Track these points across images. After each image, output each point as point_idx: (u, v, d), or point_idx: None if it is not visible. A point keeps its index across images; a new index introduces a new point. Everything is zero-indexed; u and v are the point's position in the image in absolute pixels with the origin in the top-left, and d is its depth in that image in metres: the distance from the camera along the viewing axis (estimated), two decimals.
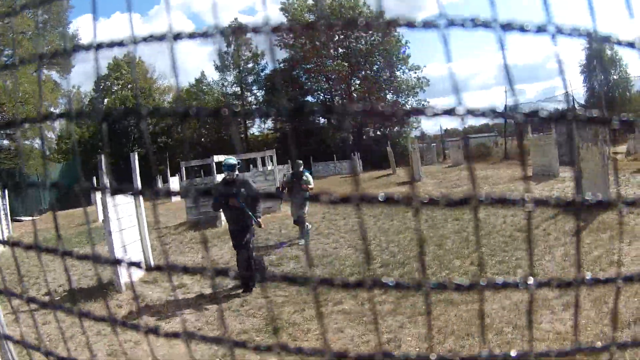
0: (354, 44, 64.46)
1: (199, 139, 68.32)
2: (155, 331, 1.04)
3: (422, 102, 64.56)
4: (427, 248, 11.68)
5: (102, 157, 12.02)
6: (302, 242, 15.35)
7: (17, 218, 37.48)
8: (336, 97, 67.13)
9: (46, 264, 15.56)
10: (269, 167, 26.31)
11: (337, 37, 64.06)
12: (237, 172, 11.23)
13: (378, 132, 65.61)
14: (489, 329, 6.90)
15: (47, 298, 11.65)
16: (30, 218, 38.78)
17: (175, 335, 1.02)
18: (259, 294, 10.30)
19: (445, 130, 63.73)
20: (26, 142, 53.07)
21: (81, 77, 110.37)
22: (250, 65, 69.89)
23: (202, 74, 70.71)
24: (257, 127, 71.51)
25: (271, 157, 26.94)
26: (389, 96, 64.83)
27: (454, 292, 0.68)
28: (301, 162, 16.14)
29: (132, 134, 65.50)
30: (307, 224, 15.65)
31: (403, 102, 64.73)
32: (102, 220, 12.31)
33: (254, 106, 70.42)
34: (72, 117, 1.11)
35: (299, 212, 15.47)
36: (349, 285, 0.78)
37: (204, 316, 9.33)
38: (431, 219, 15.86)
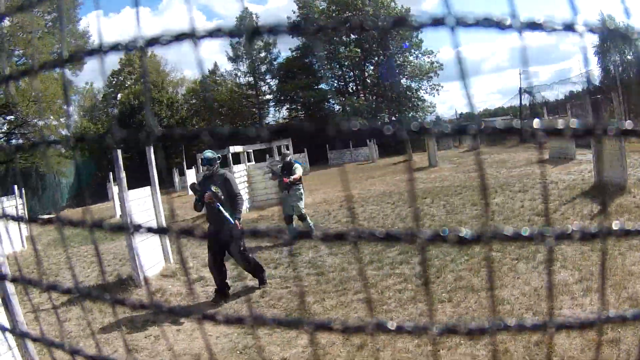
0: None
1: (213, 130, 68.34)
2: (211, 317, 1.01)
3: (436, 87, 64.41)
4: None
5: (118, 152, 11.58)
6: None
7: (35, 217, 37.83)
8: (350, 84, 67.01)
9: (65, 261, 15.66)
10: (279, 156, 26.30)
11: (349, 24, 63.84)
12: (216, 166, 10.22)
13: (393, 118, 65.33)
14: (509, 315, 6.82)
15: (65, 297, 11.77)
16: (48, 216, 39.13)
17: (229, 321, 0.98)
18: (279, 285, 10.24)
19: (461, 115, 63.49)
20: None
21: (94, 73, 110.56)
22: (262, 55, 69.83)
23: (215, 65, 70.42)
24: (272, 116, 71.44)
25: (287, 145, 26.89)
26: (402, 81, 64.56)
27: (455, 245, 0.65)
28: (289, 152, 15.70)
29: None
30: (308, 220, 14.81)
31: (417, 86, 64.58)
32: (120, 215, 12.31)
33: (267, 95, 70.51)
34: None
35: (294, 210, 14.53)
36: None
37: (224, 308, 9.36)
38: (449, 205, 15.79)
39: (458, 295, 8.05)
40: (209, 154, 10.33)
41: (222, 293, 9.92)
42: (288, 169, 14.58)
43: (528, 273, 8.58)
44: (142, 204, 12.46)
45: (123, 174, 11.25)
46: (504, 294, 7.74)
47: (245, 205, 21.26)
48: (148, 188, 12.97)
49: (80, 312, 9.71)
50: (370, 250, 11.43)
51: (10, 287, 5.83)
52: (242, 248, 10.18)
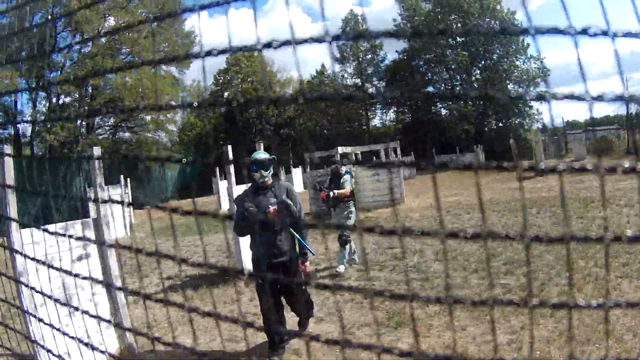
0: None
1: (321, 130, 68.73)
2: None
3: (544, 93, 62.89)
4: (548, 247, 11.14)
5: (229, 148, 11.61)
6: (346, 262, 12.30)
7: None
8: (457, 88, 66.36)
9: (168, 249, 16.20)
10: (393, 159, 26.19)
11: (454, 26, 63.14)
12: (270, 172, 7.34)
13: (500, 124, 64.40)
14: (610, 336, 6.71)
15: (167, 282, 12.40)
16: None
17: None
18: (384, 287, 10.18)
19: (567, 122, 61.98)
20: (148, 134, 55.16)
21: (200, 72, 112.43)
22: (369, 57, 69.99)
23: (323, 66, 70.95)
24: (379, 119, 71.41)
25: (395, 148, 26.84)
26: (510, 86, 63.55)
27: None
28: (342, 160, 13.63)
29: (255, 126, 66.69)
30: (351, 244, 12.48)
31: (524, 92, 63.31)
32: (228, 209, 12.52)
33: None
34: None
35: (342, 229, 11.84)
36: None
37: (325, 306, 9.52)
38: (555, 216, 15.67)
39: (561, 311, 7.84)
40: (261, 155, 7.47)
41: (276, 347, 7.26)
42: (336, 180, 12.70)
43: (631, 292, 8.44)
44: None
45: (232, 170, 11.66)
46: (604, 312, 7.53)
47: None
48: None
49: (181, 299, 9.80)
50: (477, 258, 11.50)
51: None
52: (305, 293, 8.01)
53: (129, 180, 28.95)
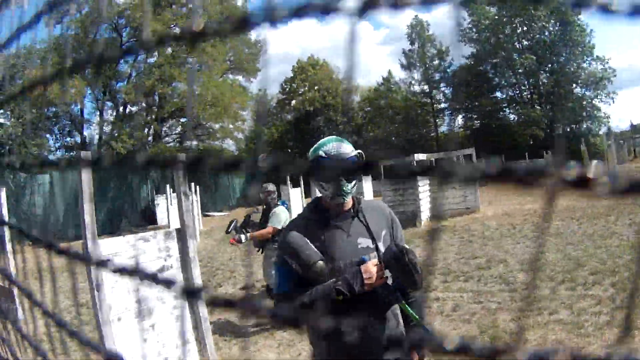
0: (538, 35, 62.63)
1: (389, 137, 68.54)
2: None
3: (611, 95, 61.76)
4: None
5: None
6: None
7: (207, 213, 39.34)
8: (525, 93, 65.65)
9: (241, 258, 16.19)
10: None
11: (520, 29, 62.60)
12: (355, 184, 3.57)
13: (568, 129, 63.39)
14: None
15: (242, 292, 12.27)
16: (220, 214, 40.67)
17: None
18: (472, 299, 10.16)
19: (634, 127, 60.92)
20: (216, 142, 55.88)
21: (268, 80, 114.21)
22: (436, 62, 69.72)
23: (389, 72, 71.02)
24: (447, 125, 71.00)
25: (470, 155, 26.39)
26: (577, 90, 62.61)
27: None
28: (272, 186, 10.76)
29: (322, 133, 66.85)
30: None
31: (592, 95, 62.37)
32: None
33: (442, 104, 70.29)
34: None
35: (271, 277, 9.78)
36: None
37: None
38: (635, 223, 15.38)
39: None
40: (338, 145, 3.54)
41: None
42: (265, 214, 10.29)
43: None
44: None
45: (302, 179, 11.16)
46: None
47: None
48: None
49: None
50: (563, 268, 11.24)
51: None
52: None
53: (197, 187, 29.24)
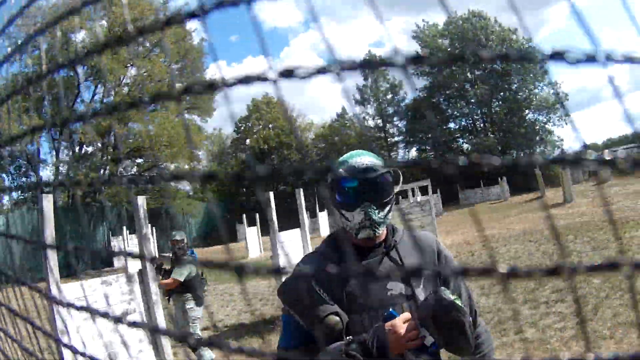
0: (491, 65, 63.71)
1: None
2: None
3: (564, 118, 62.82)
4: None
5: (270, 195, 11.28)
6: None
7: (164, 254, 39.11)
8: (477, 122, 66.51)
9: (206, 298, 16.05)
10: (419, 198, 26.01)
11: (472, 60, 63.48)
12: (389, 212, 2.63)
13: (521, 154, 64.28)
14: None
15: (205, 333, 12.08)
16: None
17: None
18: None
19: (587, 147, 61.81)
20: (171, 184, 55.76)
21: (222, 119, 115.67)
22: (389, 97, 70.43)
23: (343, 109, 71.68)
24: (402, 157, 71.51)
25: (426, 186, 26.49)
26: (529, 116, 63.75)
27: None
28: (181, 234, 10.47)
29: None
30: (205, 352, 9.40)
31: (545, 119, 63.51)
32: (271, 257, 11.73)
33: (396, 137, 70.92)
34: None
35: (185, 326, 9.72)
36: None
37: None
38: (594, 240, 15.42)
39: (620, 331, 7.92)
40: (369, 160, 2.63)
41: None
42: (173, 264, 9.84)
43: None
44: (291, 246, 12.34)
45: (274, 215, 11.06)
46: None
47: None
48: (297, 230, 12.74)
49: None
50: (524, 289, 11.30)
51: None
52: None
53: (154, 229, 29.03)
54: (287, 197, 44.50)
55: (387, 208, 2.58)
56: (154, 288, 6.72)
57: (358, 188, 2.54)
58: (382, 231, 2.60)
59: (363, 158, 2.59)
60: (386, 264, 2.59)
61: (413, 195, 30.41)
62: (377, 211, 2.52)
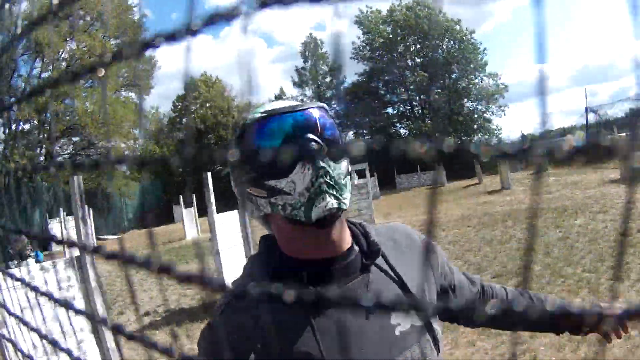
0: (432, 53, 64.02)
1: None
2: None
3: (503, 108, 63.61)
4: (535, 257, 11.24)
5: (209, 175, 10.72)
6: None
7: (100, 237, 38.31)
8: (415, 108, 66.77)
9: (140, 283, 15.64)
10: (356, 181, 25.86)
11: (413, 47, 63.73)
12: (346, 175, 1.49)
13: (459, 141, 64.55)
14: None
15: (146, 319, 11.85)
16: (113, 237, 39.70)
17: None
18: None
19: (524, 137, 62.52)
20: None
21: (160, 98, 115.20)
22: (328, 80, 70.36)
23: (281, 90, 71.34)
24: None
25: (364, 170, 26.38)
26: (468, 104, 64.24)
27: None
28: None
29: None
30: None
31: (483, 109, 64.10)
32: (210, 239, 11.37)
33: (336, 120, 71.16)
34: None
35: None
36: None
37: None
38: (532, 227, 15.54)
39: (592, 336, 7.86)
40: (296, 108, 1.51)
41: None
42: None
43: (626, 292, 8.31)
44: (229, 228, 11.74)
45: (213, 198, 10.76)
46: None
47: None
48: (235, 212, 12.41)
49: (166, 338, 9.78)
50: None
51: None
52: None
53: (91, 210, 28.51)
54: (225, 178, 44.01)
55: (344, 163, 1.50)
56: (92, 274, 6.52)
57: (293, 131, 1.44)
58: (348, 200, 1.49)
59: (283, 102, 1.56)
60: (376, 283, 1.53)
61: (350, 178, 30.37)
62: (331, 164, 1.44)
